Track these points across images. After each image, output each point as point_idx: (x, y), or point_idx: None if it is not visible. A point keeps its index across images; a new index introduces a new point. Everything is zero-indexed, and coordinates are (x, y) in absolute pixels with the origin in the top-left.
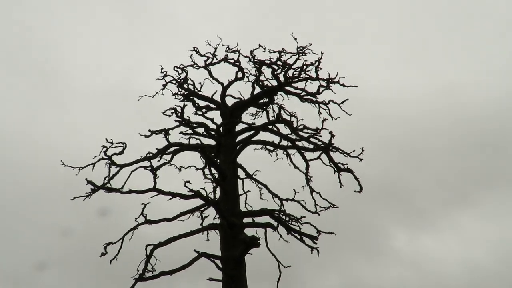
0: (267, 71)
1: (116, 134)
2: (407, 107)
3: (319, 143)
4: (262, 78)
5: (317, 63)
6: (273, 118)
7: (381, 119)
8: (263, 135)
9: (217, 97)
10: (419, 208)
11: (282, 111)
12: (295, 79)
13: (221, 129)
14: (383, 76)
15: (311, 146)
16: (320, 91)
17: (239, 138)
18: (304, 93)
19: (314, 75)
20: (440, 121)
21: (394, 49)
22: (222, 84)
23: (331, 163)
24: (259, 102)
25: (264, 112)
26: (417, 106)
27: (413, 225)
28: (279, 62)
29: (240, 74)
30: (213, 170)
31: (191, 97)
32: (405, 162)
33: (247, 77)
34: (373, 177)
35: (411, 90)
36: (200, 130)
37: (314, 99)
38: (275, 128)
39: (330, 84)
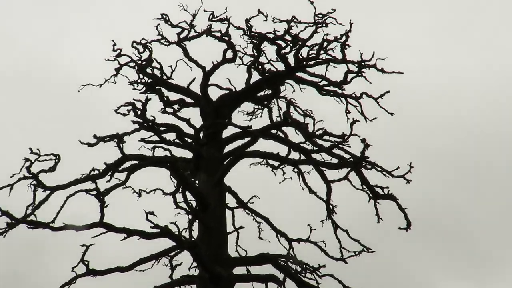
0: (270, 50)
1: (44, 141)
2: (464, 102)
3: (347, 156)
4: (262, 59)
5: (344, 38)
6: (278, 119)
7: (429, 120)
8: (263, 144)
9: (196, 88)
10: (483, 251)
11: (291, 109)
12: (312, 62)
13: (201, 134)
14: (426, 58)
15: (335, 160)
16: (349, 79)
17: (228, 148)
18: (324, 82)
19: (339, 56)
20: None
21: (442, 19)
22: (203, 68)
23: (364, 186)
24: (258, 95)
25: (266, 109)
26: (477, 100)
27: (474, 276)
28: (287, 37)
29: (230, 54)
30: (189, 196)
31: (157, 87)
32: (463, 184)
33: (241, 59)
34: (417, 204)
35: (468, 79)
36: (171, 136)
37: (340, 91)
38: (281, 134)
39: (363, 70)
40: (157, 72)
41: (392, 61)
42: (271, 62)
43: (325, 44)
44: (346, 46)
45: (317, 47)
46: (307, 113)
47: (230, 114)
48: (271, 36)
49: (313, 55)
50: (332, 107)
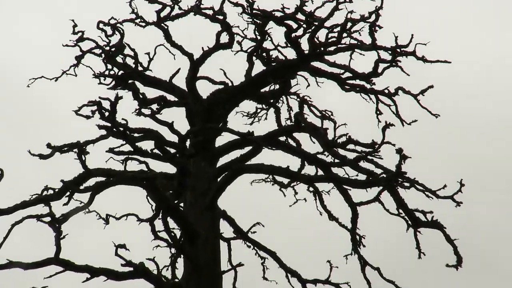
0: (277, 32)
1: None
2: None
3: (378, 171)
4: (267, 45)
5: (374, 17)
6: (288, 123)
7: (478, 122)
8: (269, 156)
9: (181, 82)
10: None
11: (305, 109)
12: (332, 48)
13: (187, 143)
14: (474, 41)
15: (363, 176)
16: (380, 70)
17: (223, 161)
18: (348, 74)
19: (368, 40)
20: None
21: None
22: (190, 56)
23: (400, 210)
24: (262, 91)
25: (272, 110)
26: None
27: None
28: (300, 15)
29: (225, 38)
30: (172, 223)
31: (130, 82)
32: None
33: (239, 44)
34: (467, 233)
35: None
36: (148, 145)
37: (368, 86)
38: (292, 142)
39: (399, 58)
40: (130, 61)
41: (433, 47)
42: (278, 48)
43: (349, 25)
44: (377, 28)
45: (338, 29)
46: (326, 115)
47: (226, 116)
48: (278, 14)
49: (334, 39)
50: (358, 107)
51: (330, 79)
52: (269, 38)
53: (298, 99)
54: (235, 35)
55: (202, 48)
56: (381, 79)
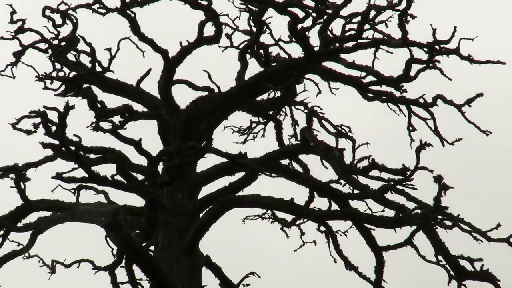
0: (278, 22)
1: None
2: None
3: (410, 205)
4: (265, 39)
5: (405, 3)
6: (293, 142)
7: None
8: (266, 185)
9: (152, 87)
10: None
11: (314, 123)
12: (350, 44)
13: (160, 167)
14: None
15: (390, 212)
16: (414, 72)
17: (207, 191)
18: (371, 78)
19: (397, 35)
20: None
21: None
22: (164, 53)
23: (440, 257)
24: (258, 99)
25: (271, 124)
26: None
27: None
28: (308, 1)
29: (211, 30)
30: (139, 272)
31: (85, 86)
32: None
33: (229, 37)
34: None
35: None
36: (108, 169)
37: (398, 93)
38: (298, 167)
39: (437, 57)
40: (85, 59)
41: (480, 44)
42: (280, 43)
43: (373, 13)
44: (409, 18)
45: (358, 18)
46: (343, 131)
47: (211, 133)
48: None
49: (353, 32)
50: (384, 121)
51: (347, 84)
52: (268, 31)
53: (305, 111)
54: (223, 26)
55: (180, 43)
56: (414, 85)
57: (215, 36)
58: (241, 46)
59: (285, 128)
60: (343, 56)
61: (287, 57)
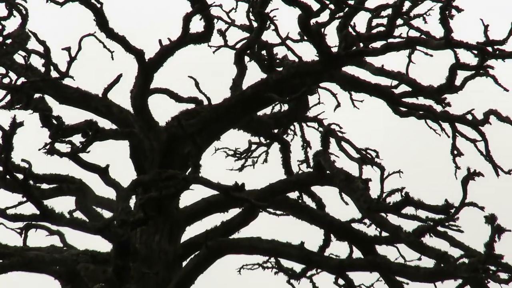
0: (286, 15)
1: None
2: None
3: (454, 252)
4: (269, 37)
5: None
6: (303, 169)
7: None
8: (269, 224)
9: (122, 98)
10: None
11: (332, 145)
12: (377, 43)
13: (132, 202)
14: None
15: (429, 261)
16: (460, 81)
17: (193, 232)
18: (405, 88)
19: (438, 33)
20: None
21: None
22: (139, 54)
23: None
24: (259, 116)
25: (275, 146)
26: None
27: None
28: None
29: (198, 24)
30: None
31: (36, 96)
32: None
33: (222, 35)
34: None
35: None
36: (64, 204)
37: (439, 108)
38: (309, 202)
39: (489, 63)
40: (37, 62)
41: None
42: (288, 43)
43: (407, 5)
44: (454, 11)
45: (389, 12)
46: (368, 156)
47: (198, 157)
48: None
49: (382, 29)
50: (422, 142)
51: (374, 95)
52: (273, 27)
53: (320, 129)
54: (215, 21)
55: (159, 41)
56: (460, 97)
57: (205, 33)
58: (238, 46)
59: (294, 151)
60: (368, 59)
61: (296, 60)
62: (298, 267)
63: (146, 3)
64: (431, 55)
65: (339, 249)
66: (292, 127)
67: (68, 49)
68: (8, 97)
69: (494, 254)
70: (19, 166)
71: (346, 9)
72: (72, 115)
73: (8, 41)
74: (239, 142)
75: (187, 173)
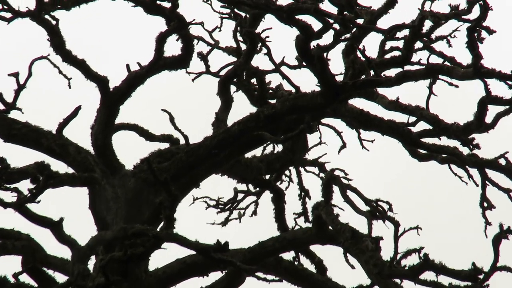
0: (281, 36)
1: None
2: None
3: None
4: (259, 63)
5: (480, 11)
6: (300, 225)
7: None
8: None
9: (81, 136)
10: None
11: (335, 196)
12: (391, 68)
13: (89, 264)
14: None
15: None
16: (489, 118)
17: None
18: (424, 125)
19: (464, 59)
20: None
21: None
22: (102, 81)
23: None
24: (247, 158)
25: (267, 196)
26: None
27: None
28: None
29: (175, 45)
30: None
31: None
32: None
33: (203, 59)
34: None
35: None
36: (7, 266)
37: (468, 149)
38: (308, 264)
39: None
40: None
41: None
42: (283, 69)
43: (428, 25)
44: (484, 33)
45: (406, 33)
46: (379, 209)
47: (173, 209)
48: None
49: (397, 54)
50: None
51: (388, 134)
52: (265, 50)
53: (321, 175)
54: (195, 42)
55: (127, 67)
56: (491, 137)
57: (182, 57)
58: (222, 73)
59: (289, 202)
60: (381, 90)
61: (293, 91)
62: None
63: (112, 21)
64: (457, 86)
65: None
66: (287, 173)
67: (15, 75)
68: None
69: None
70: None
71: (354, 29)
72: (19, 156)
73: None
74: (223, 190)
75: (158, 229)
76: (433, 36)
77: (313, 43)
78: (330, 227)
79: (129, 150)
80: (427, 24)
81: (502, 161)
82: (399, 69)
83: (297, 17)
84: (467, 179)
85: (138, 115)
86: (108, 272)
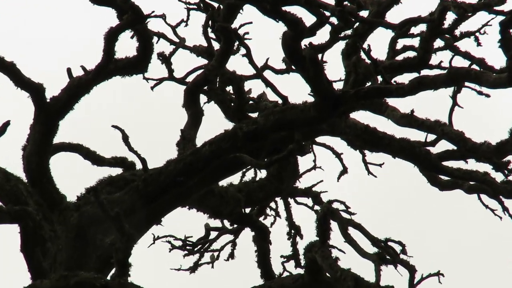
0: (264, 33)
1: None
2: None
3: None
4: (236, 66)
5: None
6: (289, 270)
7: None
8: None
9: (12, 160)
10: None
11: (333, 235)
12: (403, 73)
13: None
14: None
15: None
16: None
17: None
18: (446, 145)
19: (497, 63)
20: None
21: None
22: (36, 89)
23: None
24: (221, 188)
25: (247, 235)
26: None
27: None
28: None
29: (130, 44)
30: None
31: None
32: None
33: (165, 61)
34: None
35: None
36: None
37: (502, 175)
38: None
39: None
40: None
41: None
42: (266, 75)
43: (450, 18)
44: None
45: (422, 27)
46: (390, 252)
47: (127, 251)
48: None
49: (411, 55)
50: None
51: (399, 156)
52: (243, 50)
53: (316, 208)
54: (155, 40)
55: (68, 71)
56: None
57: (139, 59)
58: (189, 79)
59: (276, 242)
60: (391, 101)
61: (280, 101)
62: None
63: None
64: (488, 96)
65: None
66: (273, 205)
67: None
68: None
69: None
70: None
71: (356, 24)
72: None
73: None
74: (192, 228)
75: (109, 277)
76: (457, 32)
77: (305, 42)
78: (327, 274)
79: (72, 178)
80: (450, 17)
81: None
82: (414, 74)
83: (284, 8)
84: (502, 212)
85: (82, 133)
86: None
